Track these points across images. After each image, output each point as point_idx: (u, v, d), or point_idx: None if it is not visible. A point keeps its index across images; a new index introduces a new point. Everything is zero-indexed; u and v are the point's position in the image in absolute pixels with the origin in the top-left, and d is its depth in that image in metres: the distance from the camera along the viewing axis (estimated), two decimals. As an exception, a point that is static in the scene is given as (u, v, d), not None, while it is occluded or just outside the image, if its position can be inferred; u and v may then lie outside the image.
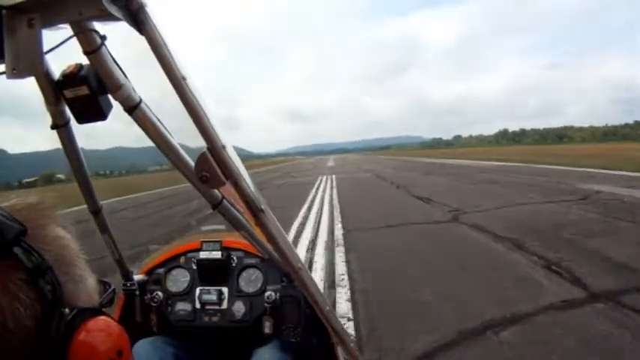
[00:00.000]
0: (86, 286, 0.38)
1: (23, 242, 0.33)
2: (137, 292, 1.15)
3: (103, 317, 0.36)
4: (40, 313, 0.32)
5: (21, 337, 0.31)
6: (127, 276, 1.13)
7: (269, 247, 0.91)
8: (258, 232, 0.83)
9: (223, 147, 0.46)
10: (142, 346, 1.04)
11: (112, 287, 0.48)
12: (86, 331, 0.34)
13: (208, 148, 0.45)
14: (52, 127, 0.60)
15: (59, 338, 0.32)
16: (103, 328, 0.35)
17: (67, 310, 0.33)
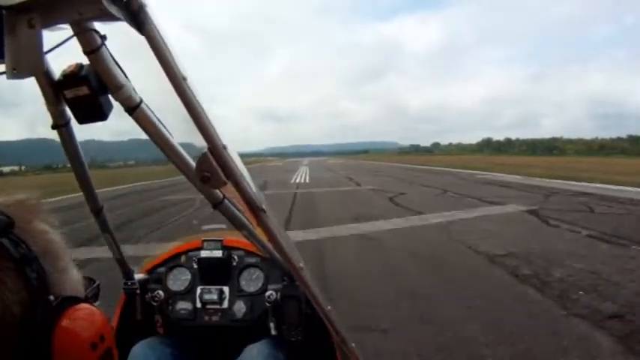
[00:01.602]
0: (71, 278, 0.40)
1: (11, 234, 0.34)
2: (138, 291, 1.15)
3: (86, 305, 0.37)
4: (27, 300, 0.33)
5: (7, 322, 0.32)
6: (127, 275, 1.13)
7: (270, 246, 0.91)
8: (259, 232, 0.83)
9: (224, 147, 0.46)
10: (140, 347, 1.04)
11: (97, 282, 0.49)
12: (70, 318, 0.35)
13: (209, 148, 0.45)
14: (53, 127, 0.60)
15: (44, 324, 0.33)
16: (85, 315, 0.36)
17: (52, 298, 0.35)
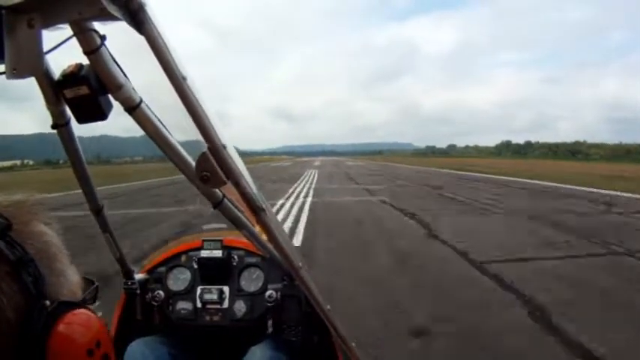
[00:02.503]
0: (68, 280, 0.39)
1: (7, 236, 0.34)
2: (138, 291, 1.15)
3: (83, 310, 0.37)
4: (22, 304, 0.33)
5: (2, 328, 0.32)
6: (128, 275, 1.13)
7: (270, 246, 0.91)
8: (259, 231, 0.83)
9: (224, 146, 0.46)
10: (137, 346, 1.03)
11: (96, 284, 0.49)
12: (66, 323, 0.34)
13: (209, 148, 0.45)
14: (53, 127, 0.60)
15: (39, 330, 0.33)
16: (82, 321, 0.36)
17: (47, 303, 0.34)
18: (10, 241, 0.34)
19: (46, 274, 0.35)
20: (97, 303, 0.48)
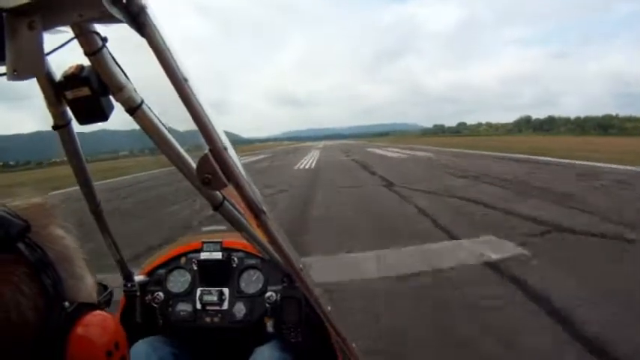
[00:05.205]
0: (85, 284, 0.39)
1: (27, 238, 0.34)
2: (138, 293, 1.15)
3: (100, 312, 0.37)
4: (42, 306, 0.33)
5: (22, 328, 0.32)
6: (127, 277, 1.13)
7: (270, 248, 0.91)
8: (259, 233, 0.83)
9: (225, 149, 0.46)
10: (141, 345, 1.04)
11: (110, 289, 0.49)
12: (85, 325, 0.35)
13: (210, 150, 0.45)
14: (54, 128, 0.60)
15: (59, 331, 0.33)
16: (100, 322, 0.36)
17: (67, 304, 0.35)
18: (30, 243, 0.34)
19: (64, 277, 0.36)
20: (109, 308, 0.48)
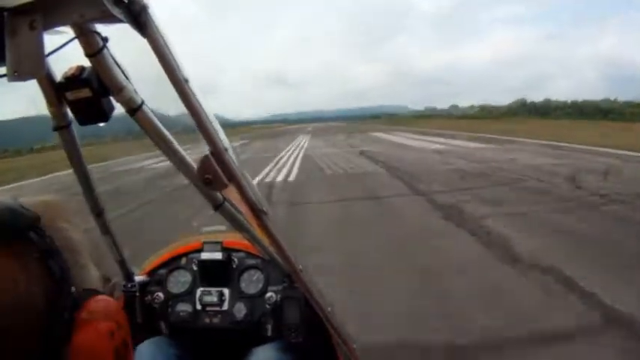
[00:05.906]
0: (90, 275, 0.43)
1: (37, 227, 0.36)
2: (137, 293, 1.15)
3: (104, 296, 0.40)
4: (50, 289, 0.35)
5: (33, 311, 0.34)
6: (128, 277, 1.13)
7: (270, 248, 0.91)
8: (259, 234, 0.83)
9: (225, 149, 0.46)
10: (147, 346, 1.04)
11: (113, 281, 0.52)
12: (90, 309, 0.38)
13: (211, 151, 0.45)
14: (54, 129, 0.60)
15: (66, 313, 0.36)
16: (104, 306, 0.39)
17: (73, 289, 0.37)
18: (39, 232, 0.36)
19: (71, 266, 0.38)
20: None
